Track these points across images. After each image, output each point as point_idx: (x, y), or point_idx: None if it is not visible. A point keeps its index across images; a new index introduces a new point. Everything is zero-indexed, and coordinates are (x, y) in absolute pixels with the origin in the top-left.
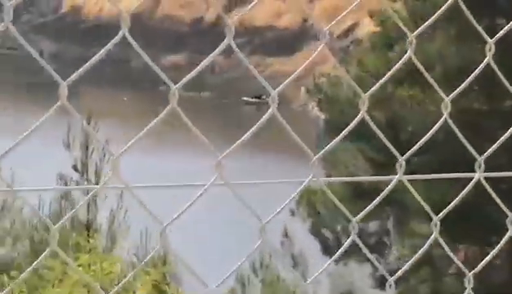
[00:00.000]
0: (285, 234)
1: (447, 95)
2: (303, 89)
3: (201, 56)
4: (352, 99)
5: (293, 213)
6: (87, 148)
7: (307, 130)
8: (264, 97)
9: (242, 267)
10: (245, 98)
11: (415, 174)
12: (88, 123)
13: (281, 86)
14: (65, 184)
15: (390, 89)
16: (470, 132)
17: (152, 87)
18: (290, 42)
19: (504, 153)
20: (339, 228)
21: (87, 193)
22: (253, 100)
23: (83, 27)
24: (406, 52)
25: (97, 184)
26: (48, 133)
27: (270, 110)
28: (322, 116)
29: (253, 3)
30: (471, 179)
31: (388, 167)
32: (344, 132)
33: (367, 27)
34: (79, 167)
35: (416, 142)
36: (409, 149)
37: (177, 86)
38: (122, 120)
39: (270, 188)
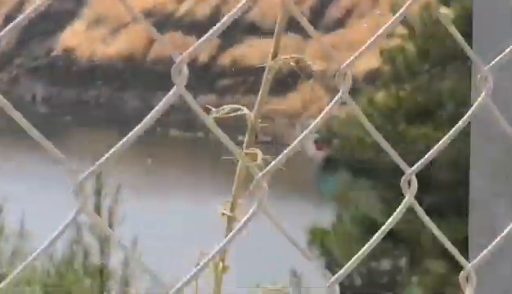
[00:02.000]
0: (295, 275)
1: (461, 132)
2: (297, 127)
3: (196, 96)
4: (364, 138)
5: None
6: (99, 193)
7: (304, 168)
8: (260, 136)
9: None
10: (241, 137)
11: (429, 212)
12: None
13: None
14: (78, 229)
15: (402, 127)
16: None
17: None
18: (284, 81)
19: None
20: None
21: (100, 237)
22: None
23: (75, 70)
24: (416, 89)
25: (110, 227)
26: (60, 178)
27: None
28: (320, 155)
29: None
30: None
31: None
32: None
33: (363, 65)
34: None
35: (424, 180)
36: (420, 188)
37: (184, 55)
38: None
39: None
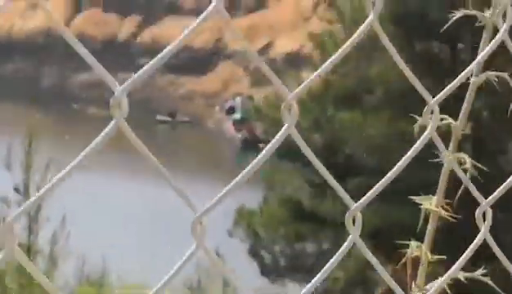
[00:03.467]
0: (217, 254)
1: (386, 118)
2: (217, 108)
3: (114, 75)
4: None
5: (230, 234)
6: (29, 168)
7: (223, 148)
8: (180, 116)
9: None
10: (159, 117)
11: (354, 197)
12: (30, 145)
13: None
14: (7, 207)
15: (331, 112)
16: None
17: (66, 105)
18: (204, 61)
19: None
20: (277, 249)
21: (29, 216)
22: (168, 118)
23: None
24: (345, 75)
25: (39, 206)
26: None
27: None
28: (239, 135)
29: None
30: (414, 204)
31: (326, 187)
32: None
33: (280, 47)
34: (21, 188)
35: (352, 164)
36: (345, 172)
37: (124, 86)
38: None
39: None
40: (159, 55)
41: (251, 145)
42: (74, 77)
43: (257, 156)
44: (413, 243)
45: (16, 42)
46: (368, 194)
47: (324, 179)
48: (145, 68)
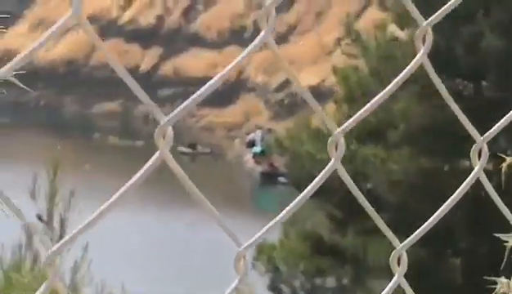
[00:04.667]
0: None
1: (409, 154)
2: (237, 141)
3: (136, 105)
4: (314, 154)
5: (250, 267)
6: (52, 198)
7: (242, 180)
8: (200, 147)
9: None
10: (180, 148)
11: (376, 233)
12: (55, 175)
13: None
14: (29, 234)
15: (354, 146)
16: (432, 191)
17: (85, 135)
18: (225, 93)
19: None
20: (297, 284)
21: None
22: (188, 150)
23: (16, 71)
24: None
25: (61, 235)
26: (15, 182)
27: None
28: (258, 169)
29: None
30: (435, 240)
31: (347, 223)
32: None
33: (302, 81)
34: (45, 216)
35: (374, 200)
36: (363, 208)
37: (170, 117)
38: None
39: (219, 238)
40: (205, 87)
41: (270, 178)
42: (95, 106)
43: (276, 189)
44: (503, 280)
45: (39, 71)
46: (413, 235)
47: (344, 214)
48: (190, 99)
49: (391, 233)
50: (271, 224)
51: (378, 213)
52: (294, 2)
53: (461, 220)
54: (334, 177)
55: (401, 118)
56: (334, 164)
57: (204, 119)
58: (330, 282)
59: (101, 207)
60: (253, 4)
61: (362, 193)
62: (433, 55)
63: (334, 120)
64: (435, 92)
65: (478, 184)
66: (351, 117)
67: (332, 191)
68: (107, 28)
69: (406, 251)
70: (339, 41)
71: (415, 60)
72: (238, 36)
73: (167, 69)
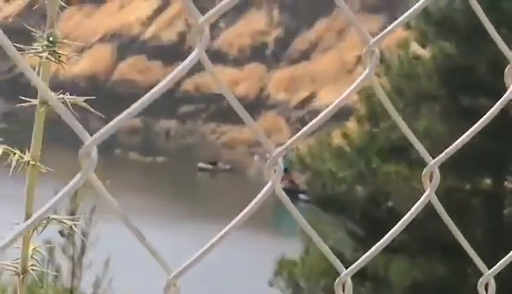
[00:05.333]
0: None
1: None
2: (256, 157)
3: (157, 121)
4: (336, 172)
5: (271, 284)
6: (73, 214)
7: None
8: (221, 164)
9: None
10: (200, 164)
11: (398, 251)
12: (76, 191)
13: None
14: (51, 249)
15: (376, 164)
16: (454, 211)
17: (106, 150)
18: (246, 110)
19: None
20: None
21: (73, 260)
22: (208, 166)
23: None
24: (391, 128)
25: (83, 251)
26: (37, 197)
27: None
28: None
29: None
30: (455, 258)
31: (368, 240)
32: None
33: (323, 99)
34: (65, 231)
35: (395, 218)
36: (384, 225)
37: (95, 137)
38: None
39: (241, 260)
40: (134, 105)
41: (291, 195)
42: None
43: (297, 206)
44: None
45: (62, 86)
46: (359, 261)
47: (365, 231)
48: (111, 123)
49: (334, 257)
50: (205, 247)
51: (400, 232)
52: (315, 19)
53: (482, 240)
54: (356, 193)
55: (424, 136)
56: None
57: (224, 136)
58: None
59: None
60: (274, 21)
61: (384, 210)
62: (455, 74)
63: (356, 138)
64: (456, 111)
65: (498, 204)
66: (373, 135)
67: (354, 209)
68: (129, 44)
69: (425, 268)
70: (360, 58)
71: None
72: (259, 53)
73: (188, 85)
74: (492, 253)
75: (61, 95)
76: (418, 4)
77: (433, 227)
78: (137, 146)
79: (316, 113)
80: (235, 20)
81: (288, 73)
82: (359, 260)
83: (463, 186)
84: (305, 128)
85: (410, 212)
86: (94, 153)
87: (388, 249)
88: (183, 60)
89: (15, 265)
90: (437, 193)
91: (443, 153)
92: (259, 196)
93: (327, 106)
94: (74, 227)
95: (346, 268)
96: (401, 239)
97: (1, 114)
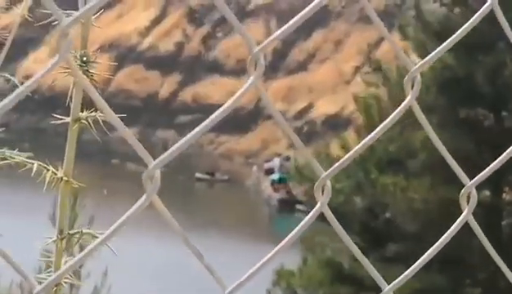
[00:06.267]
0: None
1: (428, 183)
2: (254, 168)
3: (154, 132)
4: (333, 184)
5: (269, 293)
6: (72, 223)
7: (260, 207)
8: (218, 174)
9: None
10: (198, 175)
11: (395, 261)
12: (75, 200)
13: None
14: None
15: (374, 175)
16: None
17: (105, 160)
18: (244, 120)
19: None
20: None
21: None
22: (206, 176)
23: (36, 98)
24: (389, 140)
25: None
26: (36, 207)
27: None
28: (277, 196)
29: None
30: (453, 269)
31: (366, 250)
32: None
33: (320, 109)
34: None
35: (392, 228)
36: (382, 236)
37: (158, 162)
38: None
39: (236, 264)
40: (194, 131)
41: (288, 206)
42: (114, 132)
43: (294, 217)
44: None
45: (59, 97)
46: (402, 277)
47: (364, 242)
48: (180, 142)
49: (379, 277)
50: (258, 265)
51: (396, 242)
52: (312, 30)
53: (479, 251)
54: (354, 204)
55: (421, 148)
56: (319, 208)
57: (222, 146)
58: None
59: (88, 247)
60: (271, 32)
61: (381, 221)
62: (453, 85)
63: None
64: (454, 122)
65: (496, 215)
66: (372, 147)
67: (352, 219)
68: (126, 54)
69: (423, 279)
70: (357, 69)
71: (402, 105)
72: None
73: (186, 95)
74: (491, 264)
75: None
76: None
77: (431, 237)
78: (135, 156)
79: (313, 123)
80: (233, 31)
81: (285, 83)
82: (401, 277)
83: None
84: (349, 154)
85: (448, 232)
86: (157, 175)
87: (386, 259)
88: (180, 71)
89: (47, 277)
90: (434, 204)
91: (480, 175)
92: (308, 217)
93: (325, 116)
94: (108, 244)
95: (346, 278)
96: (398, 250)
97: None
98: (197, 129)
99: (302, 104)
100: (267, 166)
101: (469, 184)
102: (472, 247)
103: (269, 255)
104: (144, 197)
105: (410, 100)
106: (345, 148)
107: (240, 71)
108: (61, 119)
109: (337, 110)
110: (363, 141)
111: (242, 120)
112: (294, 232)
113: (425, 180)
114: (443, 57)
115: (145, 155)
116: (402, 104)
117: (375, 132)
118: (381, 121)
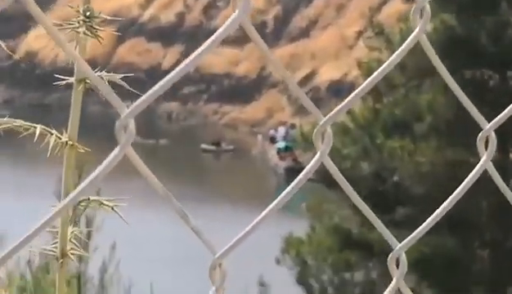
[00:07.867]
0: (262, 283)
1: (435, 146)
2: (259, 137)
3: (158, 104)
4: (340, 149)
5: (278, 261)
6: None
7: (267, 176)
8: (224, 144)
9: None
10: (204, 146)
11: (404, 225)
12: (79, 177)
13: None
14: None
15: (380, 140)
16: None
17: (109, 134)
18: (248, 89)
19: None
20: (325, 278)
21: (80, 245)
22: (212, 147)
23: (38, 73)
24: (394, 104)
25: (89, 235)
26: (40, 185)
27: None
28: (283, 164)
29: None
30: (462, 231)
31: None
32: None
33: (324, 75)
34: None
35: (401, 192)
36: (391, 200)
37: (131, 110)
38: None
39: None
40: (167, 77)
41: (295, 174)
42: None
43: (300, 185)
44: None
45: (61, 72)
46: (414, 234)
47: (372, 207)
48: (149, 92)
49: (389, 233)
50: (248, 227)
51: (404, 205)
52: None
53: (487, 212)
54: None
55: (428, 111)
56: (319, 158)
57: (226, 116)
58: (359, 276)
59: (57, 208)
60: (272, 0)
61: (389, 185)
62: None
63: (360, 114)
64: (459, 84)
65: (504, 176)
66: (377, 111)
67: (359, 185)
68: (128, 27)
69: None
70: (360, 34)
71: (410, 37)
72: (259, 32)
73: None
74: (498, 224)
75: (99, 73)
76: None
77: (439, 201)
78: (140, 129)
79: (317, 89)
80: None
81: (288, 51)
82: (411, 236)
83: (468, 159)
84: (350, 97)
85: (466, 180)
86: (131, 125)
87: (395, 223)
88: (182, 41)
89: (54, 249)
90: (441, 166)
91: (498, 118)
92: (308, 167)
93: (329, 82)
94: (115, 210)
95: (354, 244)
96: (407, 213)
97: (2, 101)
98: (171, 74)
99: (305, 70)
100: (271, 134)
101: (488, 127)
102: (480, 209)
103: (260, 216)
104: (117, 149)
105: (418, 32)
106: (350, 113)
107: (242, 40)
108: (65, 79)
109: (341, 76)
110: (369, 79)
111: (246, 89)
112: (289, 187)
113: (432, 143)
114: (446, 18)
115: (119, 103)
116: (411, 37)
117: (381, 68)
118: (386, 85)
